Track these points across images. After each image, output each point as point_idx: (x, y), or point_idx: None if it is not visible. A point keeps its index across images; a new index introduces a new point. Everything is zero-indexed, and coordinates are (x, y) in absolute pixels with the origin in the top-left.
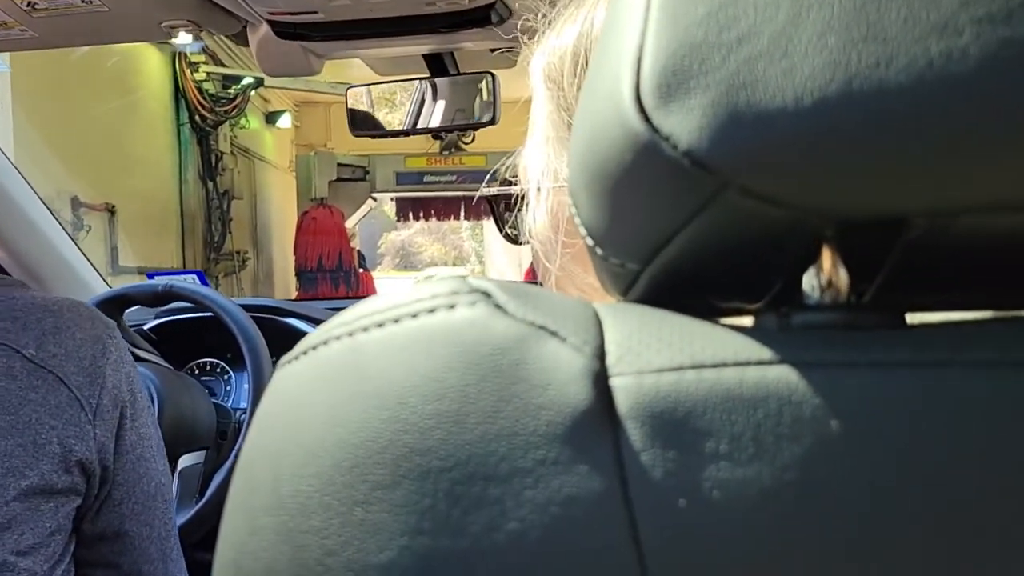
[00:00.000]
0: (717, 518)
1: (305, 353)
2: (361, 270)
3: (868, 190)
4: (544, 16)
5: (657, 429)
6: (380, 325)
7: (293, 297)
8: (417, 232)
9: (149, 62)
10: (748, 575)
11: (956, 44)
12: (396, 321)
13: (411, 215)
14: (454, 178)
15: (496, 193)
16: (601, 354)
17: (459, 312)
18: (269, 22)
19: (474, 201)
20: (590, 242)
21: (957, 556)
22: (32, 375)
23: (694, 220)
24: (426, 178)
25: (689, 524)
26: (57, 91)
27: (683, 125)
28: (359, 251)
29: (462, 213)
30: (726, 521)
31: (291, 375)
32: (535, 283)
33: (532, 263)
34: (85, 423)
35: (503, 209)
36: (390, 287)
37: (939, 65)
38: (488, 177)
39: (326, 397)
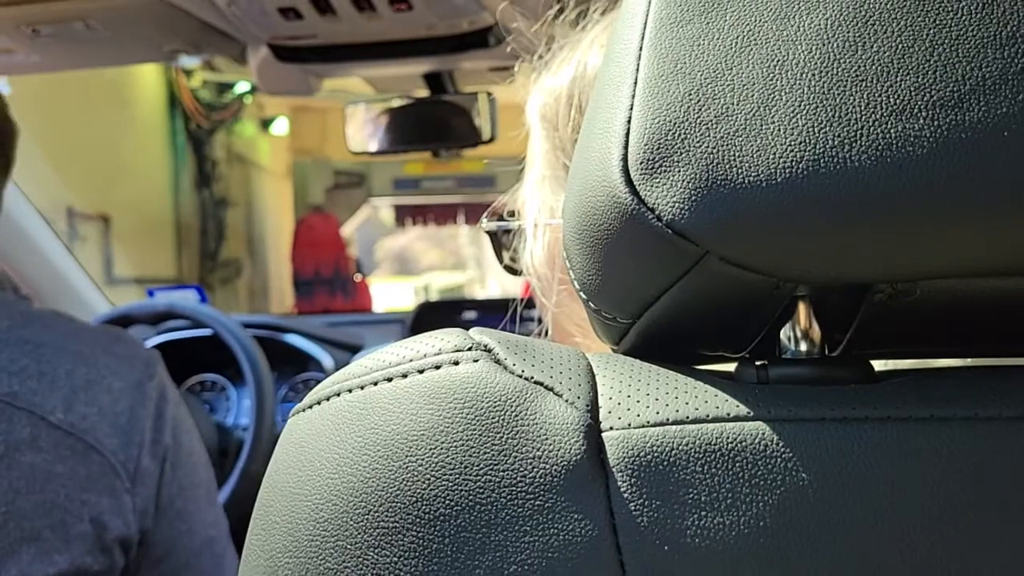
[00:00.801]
0: (698, 562)
1: (319, 403)
2: (359, 276)
3: (834, 260)
4: (540, 57)
5: (644, 479)
6: (389, 380)
7: (290, 305)
8: (415, 238)
9: (143, 69)
10: None
11: (913, 126)
12: (404, 376)
13: (409, 220)
14: (452, 183)
15: (496, 228)
16: (594, 408)
17: (462, 368)
18: (269, 45)
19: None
20: (583, 296)
21: None
22: (60, 445)
23: (678, 283)
24: (424, 183)
25: (672, 567)
26: (52, 100)
27: (666, 198)
28: (357, 259)
29: (460, 218)
30: (706, 565)
31: (305, 423)
32: (525, 297)
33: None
34: (122, 493)
35: (503, 241)
36: (387, 293)
37: (897, 146)
38: (488, 212)
39: (339, 446)
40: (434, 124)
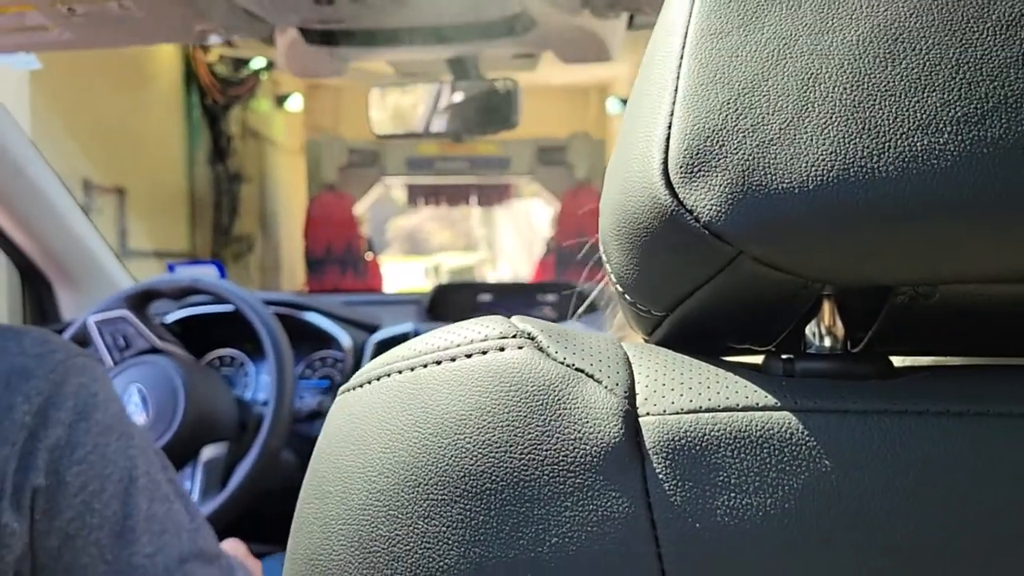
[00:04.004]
0: (727, 538)
1: (369, 382)
2: (370, 255)
3: (860, 263)
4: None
5: (678, 462)
6: (438, 363)
7: (301, 282)
8: (426, 218)
9: (161, 44)
10: None
11: (938, 140)
12: (452, 360)
13: (422, 200)
14: (466, 164)
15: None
16: (631, 395)
17: (508, 354)
18: (298, 28)
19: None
20: (619, 289)
21: None
22: None
23: (712, 280)
24: (437, 164)
25: (703, 542)
26: (70, 74)
27: (704, 200)
28: (368, 238)
29: (473, 199)
30: (734, 541)
31: (356, 400)
32: (546, 282)
33: (544, 257)
34: None
35: None
36: (399, 273)
37: (923, 159)
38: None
39: (390, 423)
40: (461, 108)
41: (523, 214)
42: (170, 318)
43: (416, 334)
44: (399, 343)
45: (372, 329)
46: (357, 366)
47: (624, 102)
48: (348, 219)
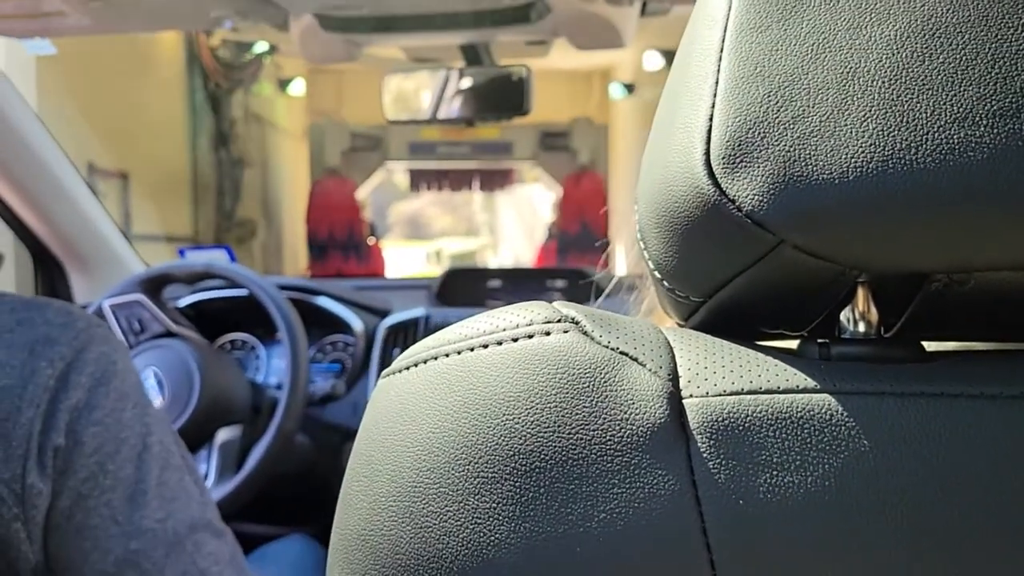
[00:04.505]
0: (769, 514)
1: (416, 364)
2: (372, 240)
3: (898, 250)
4: None
5: (721, 442)
6: (484, 346)
7: (303, 267)
8: (428, 202)
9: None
10: (795, 559)
11: (975, 133)
12: (499, 343)
13: (424, 185)
14: (468, 149)
15: None
16: (674, 377)
17: (554, 338)
18: (315, 14)
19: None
20: (657, 275)
21: (966, 556)
22: None
23: (752, 267)
24: (440, 149)
25: (747, 519)
26: (74, 58)
27: (746, 190)
28: (370, 222)
29: (475, 184)
30: (776, 518)
31: (402, 383)
32: (549, 267)
33: (545, 242)
34: (11, 521)
35: None
36: (400, 258)
37: (960, 151)
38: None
39: (439, 404)
40: (473, 94)
41: (525, 199)
42: (183, 302)
43: (427, 319)
44: (410, 328)
45: (383, 314)
46: (368, 350)
47: (627, 87)
48: (350, 204)
